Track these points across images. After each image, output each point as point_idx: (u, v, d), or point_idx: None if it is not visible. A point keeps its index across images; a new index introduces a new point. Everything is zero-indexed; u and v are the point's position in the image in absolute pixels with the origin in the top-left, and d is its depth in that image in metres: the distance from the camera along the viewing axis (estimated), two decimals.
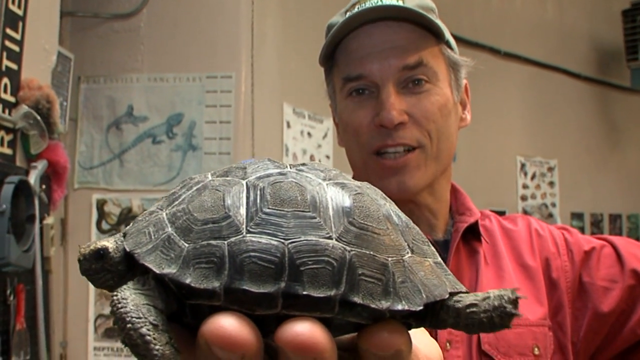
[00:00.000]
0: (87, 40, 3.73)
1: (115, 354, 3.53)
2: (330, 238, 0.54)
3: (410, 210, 1.44)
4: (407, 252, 0.58)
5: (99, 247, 0.60)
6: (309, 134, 4.23)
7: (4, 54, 2.59)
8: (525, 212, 6.40)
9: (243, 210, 0.54)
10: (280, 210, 0.54)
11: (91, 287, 3.51)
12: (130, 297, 0.53)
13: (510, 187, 6.38)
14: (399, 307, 0.54)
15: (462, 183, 5.17)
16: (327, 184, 0.57)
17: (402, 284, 0.55)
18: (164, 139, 3.70)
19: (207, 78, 3.70)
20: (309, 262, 0.52)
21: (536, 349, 1.38)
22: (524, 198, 6.44)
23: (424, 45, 1.36)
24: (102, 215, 3.66)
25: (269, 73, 3.70)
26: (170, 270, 0.53)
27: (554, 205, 6.63)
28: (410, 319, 0.59)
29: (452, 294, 0.58)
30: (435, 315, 0.59)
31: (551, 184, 6.64)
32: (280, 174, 0.57)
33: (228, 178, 0.58)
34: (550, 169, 6.65)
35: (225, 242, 0.53)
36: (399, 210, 0.61)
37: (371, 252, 0.55)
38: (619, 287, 1.45)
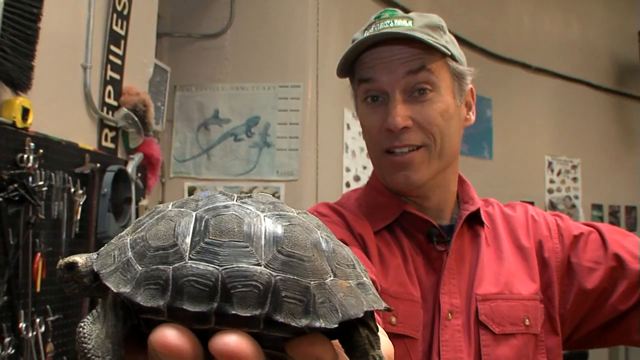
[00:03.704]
0: (181, 56, 3.75)
1: None
2: (259, 265, 0.52)
3: (421, 203, 1.40)
4: (330, 276, 0.55)
5: (72, 261, 0.58)
6: None
7: (109, 66, 2.61)
8: (551, 203, 6.23)
9: (188, 240, 0.53)
10: (218, 240, 0.53)
11: None
12: (94, 333, 0.52)
13: (538, 181, 6.20)
14: (317, 324, 0.52)
15: (499, 178, 5.08)
16: (264, 216, 0.55)
17: (322, 304, 0.53)
18: (244, 137, 3.69)
19: (279, 87, 3.68)
20: (239, 286, 0.51)
21: (527, 320, 1.32)
22: (550, 191, 6.26)
23: (428, 57, 1.31)
24: None
25: (331, 83, 3.67)
26: (125, 289, 0.52)
27: (576, 197, 6.43)
28: (341, 336, 0.57)
29: (367, 312, 0.55)
30: (351, 337, 0.56)
31: (574, 179, 6.44)
32: (225, 207, 0.55)
33: (182, 209, 0.56)
34: (574, 167, 6.46)
35: (170, 267, 0.52)
36: (331, 237, 0.58)
37: (295, 277, 0.53)
38: (602, 268, 1.37)
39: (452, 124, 1.36)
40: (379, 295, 0.58)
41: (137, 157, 2.77)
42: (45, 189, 2.09)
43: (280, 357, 0.54)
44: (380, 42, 1.33)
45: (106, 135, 2.63)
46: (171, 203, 0.58)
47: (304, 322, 0.51)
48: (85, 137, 2.46)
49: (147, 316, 0.52)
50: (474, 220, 1.42)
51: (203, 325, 0.50)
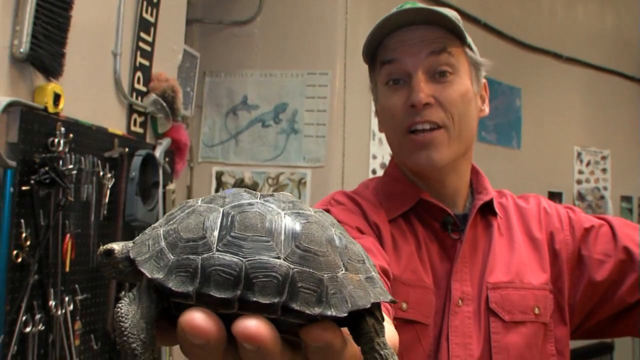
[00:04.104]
0: (211, 42, 3.79)
1: None
2: (279, 258, 0.57)
3: (437, 190, 1.43)
4: (342, 270, 0.60)
5: (109, 248, 0.64)
6: None
7: (138, 53, 2.66)
8: (580, 194, 6.17)
9: (216, 233, 0.58)
10: (243, 234, 0.58)
11: None
12: (130, 314, 0.58)
13: (567, 172, 6.14)
14: (329, 313, 0.57)
15: (527, 168, 5.06)
16: (284, 214, 0.61)
17: (334, 295, 0.58)
18: (272, 123, 3.72)
19: (307, 74, 3.70)
20: (260, 276, 0.56)
21: (536, 309, 1.34)
22: (579, 182, 6.20)
23: (448, 41, 1.35)
24: (219, 184, 3.72)
25: (359, 71, 3.68)
26: (158, 276, 0.57)
27: (605, 189, 6.37)
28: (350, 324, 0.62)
29: (374, 304, 0.61)
30: (359, 325, 0.61)
31: (604, 170, 6.37)
32: (249, 204, 0.61)
33: (211, 205, 0.61)
34: (604, 158, 6.39)
35: (200, 257, 0.57)
36: (344, 234, 0.63)
37: (310, 270, 0.58)
38: (612, 261, 1.39)
39: (470, 107, 1.39)
40: (385, 289, 0.63)
41: (165, 142, 2.82)
42: (75, 172, 2.15)
43: (294, 341, 0.59)
44: (403, 26, 1.36)
45: (135, 120, 2.69)
46: (200, 199, 0.63)
47: (317, 311, 0.57)
48: (115, 122, 2.52)
49: (177, 300, 0.58)
50: (488, 210, 1.45)
51: (227, 310, 0.56)
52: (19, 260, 1.93)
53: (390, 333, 0.68)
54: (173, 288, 0.56)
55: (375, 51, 1.42)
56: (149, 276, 0.58)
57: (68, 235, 2.16)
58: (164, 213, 2.81)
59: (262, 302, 0.56)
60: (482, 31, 5.08)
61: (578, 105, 6.19)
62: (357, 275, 0.61)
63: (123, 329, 0.57)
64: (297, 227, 0.60)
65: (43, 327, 2.02)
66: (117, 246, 0.64)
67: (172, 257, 0.58)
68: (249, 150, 3.73)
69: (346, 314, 0.57)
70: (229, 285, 0.56)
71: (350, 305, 0.58)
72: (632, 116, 6.65)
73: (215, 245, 0.58)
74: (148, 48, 2.72)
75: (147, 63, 2.73)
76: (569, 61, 6.00)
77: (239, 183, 3.69)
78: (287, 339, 0.59)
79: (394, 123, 1.39)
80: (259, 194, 0.63)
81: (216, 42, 3.80)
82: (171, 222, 0.61)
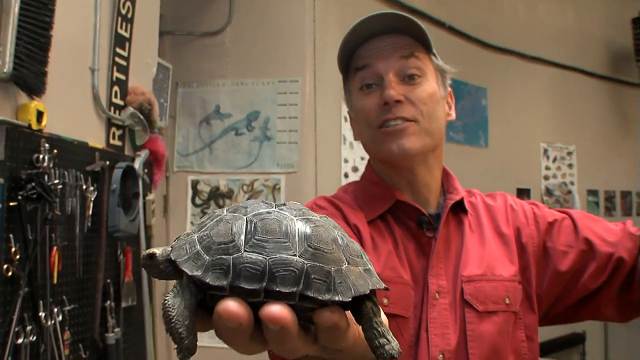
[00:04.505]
0: (183, 54, 3.88)
1: None
2: (295, 255, 0.70)
3: (411, 184, 1.54)
4: (345, 264, 0.73)
5: (151, 252, 0.76)
6: None
7: (114, 67, 2.74)
8: (547, 189, 6.35)
9: (242, 237, 0.71)
10: (265, 237, 0.71)
11: None
12: (175, 305, 0.70)
13: (535, 168, 6.32)
14: (336, 298, 0.70)
15: (495, 166, 5.20)
16: (297, 219, 0.73)
17: (340, 284, 0.71)
18: (245, 131, 3.81)
19: (278, 82, 3.79)
20: (281, 270, 0.69)
21: (507, 299, 1.46)
22: (546, 178, 6.38)
23: (416, 47, 1.48)
24: (195, 192, 3.81)
25: (328, 78, 3.79)
26: (197, 273, 0.70)
27: (572, 183, 6.55)
28: (353, 308, 0.75)
29: (372, 290, 0.74)
30: (359, 308, 0.75)
31: (570, 165, 6.56)
32: (268, 212, 0.73)
33: (235, 214, 0.74)
34: (569, 153, 6.57)
35: (231, 257, 0.70)
36: (344, 235, 0.77)
37: (320, 264, 0.71)
38: (574, 252, 1.52)
39: (438, 108, 1.51)
40: (380, 279, 0.77)
41: (144, 154, 2.90)
42: (60, 186, 2.23)
43: (306, 325, 0.72)
44: (375, 35, 1.49)
45: (114, 133, 2.77)
46: (225, 209, 0.76)
47: (327, 297, 0.70)
48: (95, 136, 2.60)
49: (213, 292, 0.70)
50: (459, 208, 1.57)
51: (254, 299, 0.68)
52: (10, 274, 2.01)
53: (383, 316, 0.81)
54: (210, 282, 0.69)
55: (349, 61, 1.54)
56: (190, 274, 0.70)
57: (55, 248, 2.23)
58: (145, 223, 2.90)
59: (283, 291, 0.68)
60: (447, 34, 5.22)
61: (543, 103, 6.36)
62: (357, 268, 0.73)
63: (171, 317, 0.69)
64: (308, 230, 0.72)
65: (34, 338, 2.10)
66: (157, 250, 0.76)
67: (208, 257, 0.70)
68: (223, 159, 3.82)
69: (350, 299, 0.70)
70: (256, 279, 0.68)
71: (353, 291, 0.71)
72: (596, 112, 6.86)
73: (243, 247, 0.70)
74: (124, 63, 2.81)
75: (123, 77, 2.81)
76: (533, 60, 6.18)
77: (215, 191, 3.78)
78: (302, 320, 0.71)
79: (367, 122, 1.51)
80: (274, 203, 0.76)
81: (188, 53, 3.89)
82: (203, 229, 0.73)
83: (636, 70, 6.75)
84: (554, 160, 6.44)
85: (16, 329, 2.02)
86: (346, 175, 4.03)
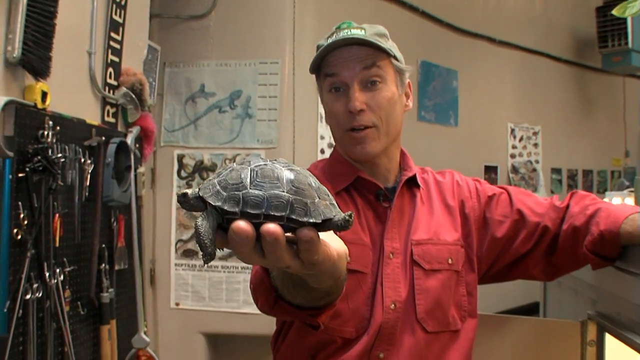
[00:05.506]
0: (170, 36, 4.03)
1: (190, 269, 3.88)
2: (283, 192, 0.95)
3: (372, 169, 1.79)
4: (317, 198, 0.97)
5: (185, 192, 1.01)
6: None
7: (109, 50, 2.95)
8: (514, 167, 6.61)
9: (248, 180, 0.96)
10: (263, 180, 0.96)
11: (173, 218, 3.88)
12: (204, 224, 0.95)
13: (502, 147, 6.58)
14: (312, 220, 0.95)
15: (464, 144, 5.47)
16: (285, 169, 0.98)
17: (314, 211, 0.96)
18: (227, 109, 3.98)
19: (259, 63, 3.95)
20: (274, 201, 0.94)
21: (450, 260, 1.73)
22: (513, 156, 6.63)
23: (377, 57, 1.69)
24: (181, 166, 3.98)
25: (306, 59, 3.89)
26: (218, 203, 0.95)
27: (537, 162, 6.82)
28: (321, 228, 0.98)
29: (335, 216, 0.98)
30: (329, 225, 0.98)
31: (535, 145, 6.81)
32: (265, 164, 0.98)
33: (243, 165, 0.98)
34: (535, 133, 6.82)
35: (241, 192, 0.94)
36: (317, 180, 1.01)
37: (301, 198, 0.95)
38: (509, 221, 1.80)
39: (396, 108, 1.75)
40: (341, 212, 1.02)
41: (135, 130, 3.11)
42: (62, 160, 2.44)
43: (292, 238, 0.96)
44: (341, 46, 1.71)
45: (108, 111, 2.98)
46: (235, 163, 1.01)
47: (305, 219, 0.95)
48: (91, 114, 2.81)
49: (229, 216, 0.95)
50: (412, 183, 1.82)
51: (257, 220, 0.93)
52: (19, 237, 2.23)
53: (342, 244, 1.09)
54: (228, 209, 0.94)
55: (320, 65, 1.77)
56: (213, 204, 0.95)
57: (57, 215, 2.45)
58: (136, 194, 3.12)
59: (276, 214, 0.93)
60: (420, 18, 5.42)
61: (511, 85, 6.58)
62: (325, 202, 0.99)
63: (200, 232, 0.94)
64: (292, 175, 0.97)
65: (40, 295, 2.33)
66: (189, 190, 1.01)
67: (225, 193, 0.95)
68: (207, 134, 3.98)
69: (320, 221, 0.96)
70: (258, 206, 0.93)
71: (323, 216, 0.96)
72: (561, 94, 7.12)
73: (249, 186, 0.95)
74: (117, 46, 3.02)
75: (117, 59, 3.02)
76: (502, 44, 6.39)
77: (199, 165, 3.96)
78: (287, 243, 0.95)
79: (337, 123, 1.75)
80: (269, 159, 1.01)
81: (175, 35, 4.03)
82: (220, 176, 0.98)
83: (599, 56, 7.00)
84: (520, 139, 6.69)
85: (25, 286, 2.25)
86: (322, 151, 4.24)
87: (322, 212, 0.96)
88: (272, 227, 0.90)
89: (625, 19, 6.47)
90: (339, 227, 0.98)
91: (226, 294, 3.87)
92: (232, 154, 3.95)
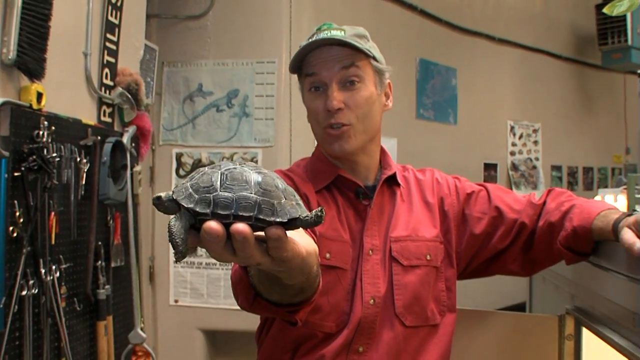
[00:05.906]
0: (168, 35, 4.08)
1: (189, 266, 3.94)
2: (251, 194, 0.99)
3: (352, 167, 1.83)
4: (283, 199, 1.02)
5: (159, 195, 1.05)
6: None
7: (105, 51, 3.00)
8: (513, 165, 6.64)
9: (218, 183, 1.00)
10: (232, 183, 1.00)
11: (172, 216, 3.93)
12: (177, 225, 0.99)
13: (501, 144, 6.61)
14: (278, 219, 0.99)
15: (464, 142, 5.50)
16: (253, 172, 1.02)
17: (280, 211, 1.00)
18: (225, 108, 4.03)
19: (256, 63, 4.00)
20: (243, 202, 0.98)
21: (428, 256, 1.77)
22: (512, 154, 6.65)
23: (356, 57, 1.72)
24: (179, 164, 4.03)
25: None
26: (190, 205, 0.99)
27: (537, 159, 6.84)
28: (289, 226, 1.03)
29: (301, 215, 1.03)
30: (295, 224, 1.03)
31: (535, 142, 6.83)
32: (234, 167, 1.02)
33: (214, 170, 1.03)
34: (535, 131, 6.84)
35: (212, 194, 0.99)
36: (284, 182, 1.05)
37: (268, 199, 1.00)
38: (487, 218, 1.83)
39: (374, 107, 1.79)
40: (306, 210, 1.06)
41: (131, 130, 3.15)
42: (57, 159, 2.48)
43: (262, 236, 1.00)
44: (321, 46, 1.75)
45: (104, 111, 3.03)
46: (207, 167, 1.05)
47: (272, 219, 0.99)
48: (87, 114, 2.87)
49: (201, 217, 0.99)
50: (393, 181, 1.86)
51: (227, 220, 0.97)
52: (15, 235, 2.29)
53: (310, 241, 1.15)
54: (199, 210, 0.98)
55: (300, 65, 1.82)
56: (186, 206, 0.99)
57: (53, 213, 2.50)
58: (132, 192, 3.18)
59: (245, 215, 0.97)
60: (419, 17, 5.45)
61: (510, 82, 6.60)
62: (292, 202, 1.03)
63: (173, 232, 0.98)
64: (259, 178, 1.01)
65: (36, 291, 2.38)
66: (162, 194, 1.04)
67: (197, 195, 0.99)
68: (205, 133, 4.03)
69: (286, 220, 1.00)
70: (227, 208, 0.97)
71: (289, 215, 1.00)
72: (560, 92, 7.13)
73: (219, 189, 0.99)
74: (113, 47, 3.07)
75: (113, 60, 3.07)
76: (501, 42, 6.41)
77: (197, 163, 4.01)
78: (256, 241, 0.99)
79: (317, 121, 1.79)
80: (238, 163, 1.05)
81: (173, 35, 4.08)
82: (192, 179, 1.02)
83: (598, 53, 7.01)
84: (520, 137, 6.71)
85: (21, 282, 2.31)
86: None
87: (288, 212, 1.00)
88: (240, 226, 0.94)
89: (624, 16, 6.48)
90: (311, 224, 1.03)
91: (224, 290, 3.93)
92: (229, 152, 4.00)
